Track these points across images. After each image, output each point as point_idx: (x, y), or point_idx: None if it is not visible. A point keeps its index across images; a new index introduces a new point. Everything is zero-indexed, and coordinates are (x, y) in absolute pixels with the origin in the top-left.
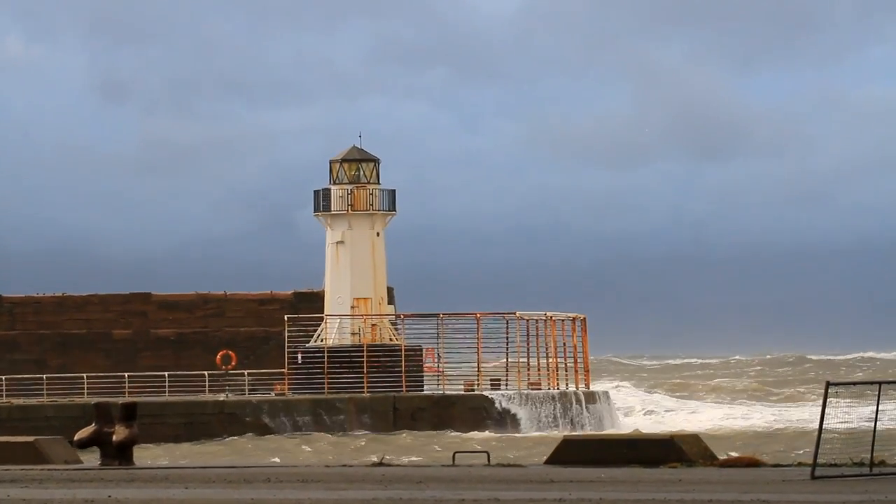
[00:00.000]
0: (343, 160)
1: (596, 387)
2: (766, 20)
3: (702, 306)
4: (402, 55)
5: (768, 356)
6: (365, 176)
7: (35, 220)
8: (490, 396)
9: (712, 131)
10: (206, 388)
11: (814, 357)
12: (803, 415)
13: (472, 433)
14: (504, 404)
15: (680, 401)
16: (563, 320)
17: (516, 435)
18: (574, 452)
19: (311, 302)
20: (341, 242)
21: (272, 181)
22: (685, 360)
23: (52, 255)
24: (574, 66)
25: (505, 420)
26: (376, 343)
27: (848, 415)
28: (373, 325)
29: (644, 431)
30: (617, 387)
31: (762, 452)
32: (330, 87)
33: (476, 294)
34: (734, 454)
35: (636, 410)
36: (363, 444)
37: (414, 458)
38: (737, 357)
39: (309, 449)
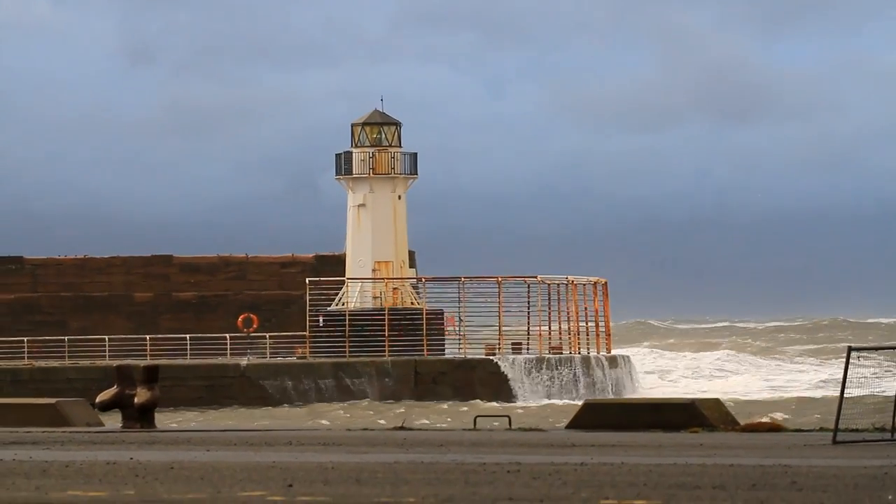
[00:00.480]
0: (365, 123)
1: (633, 351)
2: None
3: (725, 270)
4: (428, 18)
5: (802, 321)
6: (386, 139)
7: (58, 183)
8: (497, 363)
9: (738, 95)
10: (228, 352)
11: (851, 319)
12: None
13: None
14: (511, 374)
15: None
16: (584, 284)
17: (517, 405)
18: (595, 417)
19: (333, 265)
20: (363, 206)
21: (297, 144)
22: (731, 324)
23: (75, 217)
24: (600, 30)
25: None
26: (398, 306)
27: (870, 380)
28: (394, 288)
29: (666, 396)
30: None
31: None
32: (356, 50)
33: (498, 258)
34: (766, 418)
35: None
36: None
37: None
38: (776, 323)
39: (347, 415)
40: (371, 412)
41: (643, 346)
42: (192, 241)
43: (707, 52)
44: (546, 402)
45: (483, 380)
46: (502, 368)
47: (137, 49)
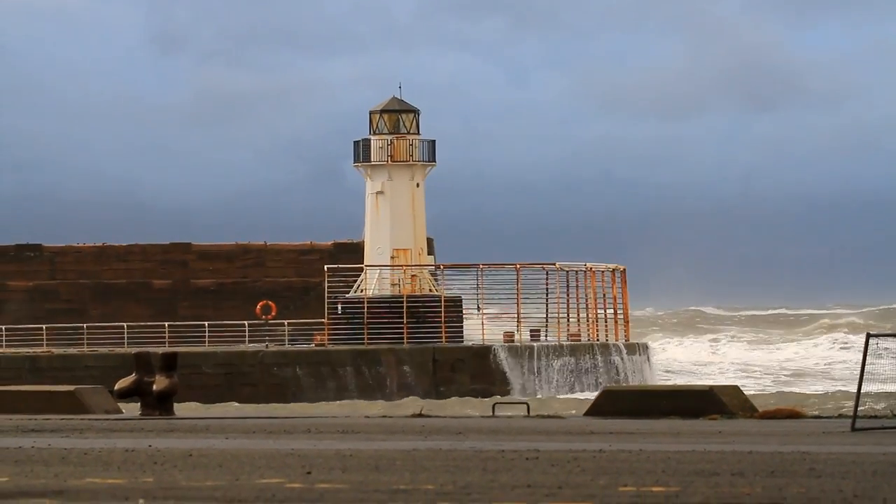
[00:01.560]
0: (383, 111)
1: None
2: None
3: (750, 257)
4: (456, 5)
5: (849, 309)
6: (405, 126)
7: (84, 170)
8: (497, 352)
9: (766, 82)
10: (247, 339)
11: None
12: None
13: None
14: (504, 366)
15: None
16: (602, 271)
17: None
18: (614, 404)
19: (352, 252)
20: (381, 193)
21: (322, 131)
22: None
23: (100, 204)
24: (628, 17)
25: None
26: (416, 294)
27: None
28: (412, 275)
29: (685, 383)
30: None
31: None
32: (383, 37)
33: (519, 245)
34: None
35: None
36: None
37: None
38: (808, 311)
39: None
40: (391, 403)
41: (725, 335)
42: (215, 228)
43: (734, 40)
44: (542, 395)
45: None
46: (499, 362)
47: (166, 37)
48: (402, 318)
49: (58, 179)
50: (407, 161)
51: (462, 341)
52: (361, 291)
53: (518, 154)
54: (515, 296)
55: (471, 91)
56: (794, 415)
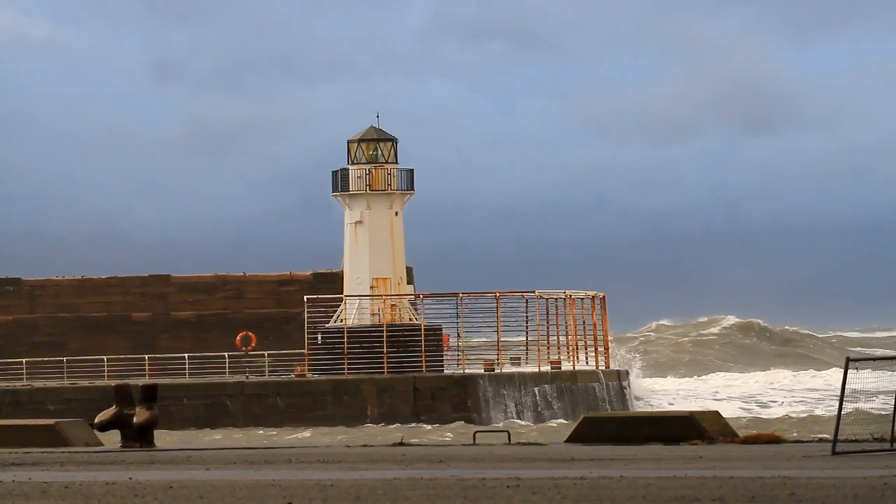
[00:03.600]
0: (361, 140)
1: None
2: None
3: (742, 280)
4: (451, 31)
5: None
6: (383, 156)
7: (70, 202)
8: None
9: (763, 105)
10: (227, 370)
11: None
12: None
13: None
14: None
15: None
16: (582, 299)
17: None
18: (594, 431)
19: (331, 282)
20: (360, 222)
21: (311, 161)
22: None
23: (88, 236)
24: (626, 41)
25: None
26: (396, 323)
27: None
28: (392, 305)
29: (666, 409)
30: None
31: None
32: (380, 65)
33: (504, 273)
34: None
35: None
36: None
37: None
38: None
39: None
40: (369, 433)
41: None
42: (199, 259)
43: (731, 63)
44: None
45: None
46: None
47: (163, 66)
48: (383, 347)
49: (45, 212)
50: (385, 190)
51: (442, 370)
52: (341, 321)
53: (505, 181)
54: (495, 324)
55: (458, 118)
56: (774, 439)
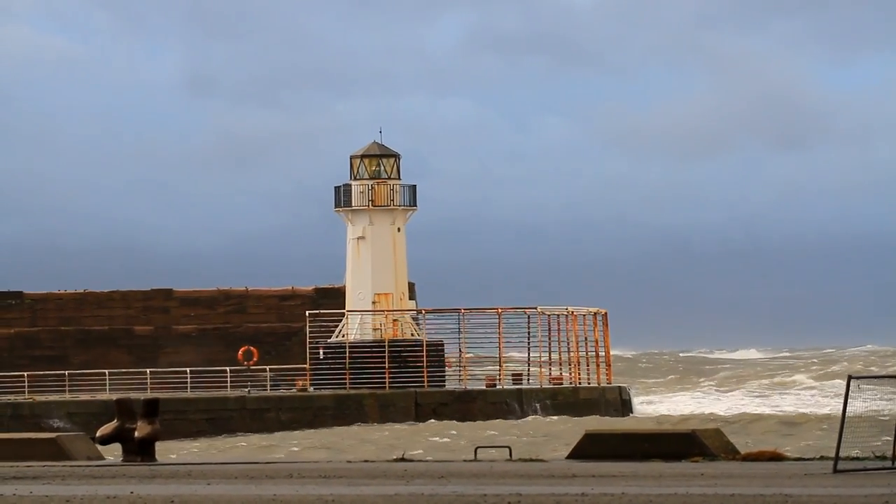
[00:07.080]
0: (363, 156)
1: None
2: (858, 7)
3: (766, 298)
4: (481, 46)
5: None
6: (385, 171)
7: (90, 216)
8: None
9: (794, 120)
10: (228, 384)
11: None
12: None
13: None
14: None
15: None
16: (584, 315)
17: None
18: (596, 447)
19: (333, 297)
20: (362, 238)
21: (329, 176)
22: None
23: (106, 250)
24: (658, 56)
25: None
26: (398, 338)
27: (871, 407)
28: (394, 320)
29: (666, 426)
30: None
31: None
32: (414, 78)
33: (511, 288)
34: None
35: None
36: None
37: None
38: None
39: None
40: (373, 444)
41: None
42: (208, 273)
43: (765, 78)
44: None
45: (484, 410)
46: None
47: (198, 81)
48: (384, 362)
49: (69, 226)
50: (388, 206)
51: (444, 385)
52: (343, 336)
53: (520, 197)
54: (497, 340)
55: (474, 135)
56: (776, 457)
